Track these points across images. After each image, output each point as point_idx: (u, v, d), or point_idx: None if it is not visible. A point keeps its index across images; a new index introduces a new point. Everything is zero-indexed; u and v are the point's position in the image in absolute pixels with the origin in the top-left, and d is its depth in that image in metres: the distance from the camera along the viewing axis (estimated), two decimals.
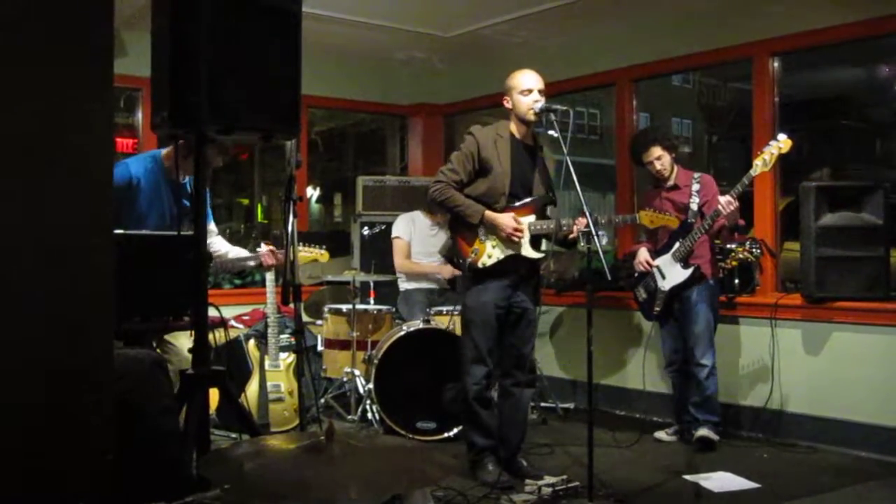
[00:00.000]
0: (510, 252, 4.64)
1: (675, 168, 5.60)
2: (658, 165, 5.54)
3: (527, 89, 4.60)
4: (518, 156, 4.68)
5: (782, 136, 5.06)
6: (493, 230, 4.61)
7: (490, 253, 4.64)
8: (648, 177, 5.83)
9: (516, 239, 4.59)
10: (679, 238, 5.40)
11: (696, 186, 5.49)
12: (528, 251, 4.66)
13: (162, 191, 4.36)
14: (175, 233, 3.72)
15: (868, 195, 5.37)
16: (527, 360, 4.77)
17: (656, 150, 5.52)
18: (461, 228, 4.71)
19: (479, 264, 4.63)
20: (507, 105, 4.70)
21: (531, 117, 4.60)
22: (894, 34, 5.52)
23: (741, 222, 5.64)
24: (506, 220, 4.58)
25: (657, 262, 5.53)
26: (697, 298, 5.41)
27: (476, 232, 4.65)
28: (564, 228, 4.58)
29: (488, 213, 4.60)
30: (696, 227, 5.34)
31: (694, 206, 5.45)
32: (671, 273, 5.46)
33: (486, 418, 4.70)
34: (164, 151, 4.47)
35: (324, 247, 5.58)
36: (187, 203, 4.36)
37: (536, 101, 4.57)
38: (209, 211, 4.17)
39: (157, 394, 3.03)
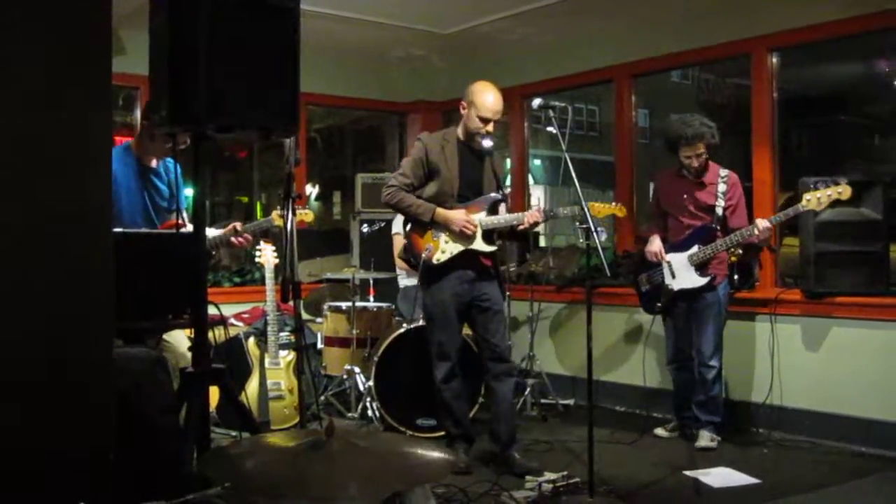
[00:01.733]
0: (463, 246, 4.78)
1: (706, 165, 5.44)
2: (695, 162, 5.34)
3: (484, 118, 4.72)
4: (465, 159, 4.85)
5: (843, 182, 4.93)
6: (446, 226, 4.76)
7: (444, 248, 4.79)
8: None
9: (468, 232, 4.73)
10: (699, 242, 5.32)
11: (722, 187, 5.34)
12: (480, 245, 4.80)
13: (138, 179, 4.34)
14: (174, 231, 3.72)
15: (867, 190, 5.37)
16: (500, 351, 4.90)
17: (701, 146, 5.31)
18: (415, 228, 4.89)
19: (434, 260, 4.77)
20: (462, 111, 4.83)
21: (476, 141, 4.78)
22: (893, 29, 5.52)
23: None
24: (457, 215, 4.75)
25: (669, 257, 5.44)
26: (713, 300, 5.37)
27: (428, 230, 4.81)
28: (514, 222, 4.75)
29: (439, 210, 4.77)
30: (720, 240, 5.24)
31: (719, 211, 5.33)
32: (684, 275, 5.37)
33: (455, 409, 4.92)
34: (133, 140, 4.46)
35: (306, 208, 5.53)
36: (164, 187, 4.37)
37: (488, 132, 4.74)
38: (182, 197, 4.17)
39: (157, 392, 3.04)
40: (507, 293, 5.66)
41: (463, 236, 4.75)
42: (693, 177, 5.43)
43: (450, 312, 4.80)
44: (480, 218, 4.79)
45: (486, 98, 4.72)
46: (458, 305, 4.81)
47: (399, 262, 6.54)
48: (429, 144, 4.85)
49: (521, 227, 4.76)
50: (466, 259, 4.80)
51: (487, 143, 4.73)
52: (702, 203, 5.40)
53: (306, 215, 5.33)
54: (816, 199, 4.97)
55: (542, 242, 4.88)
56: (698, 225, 5.39)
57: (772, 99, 5.97)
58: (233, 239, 4.52)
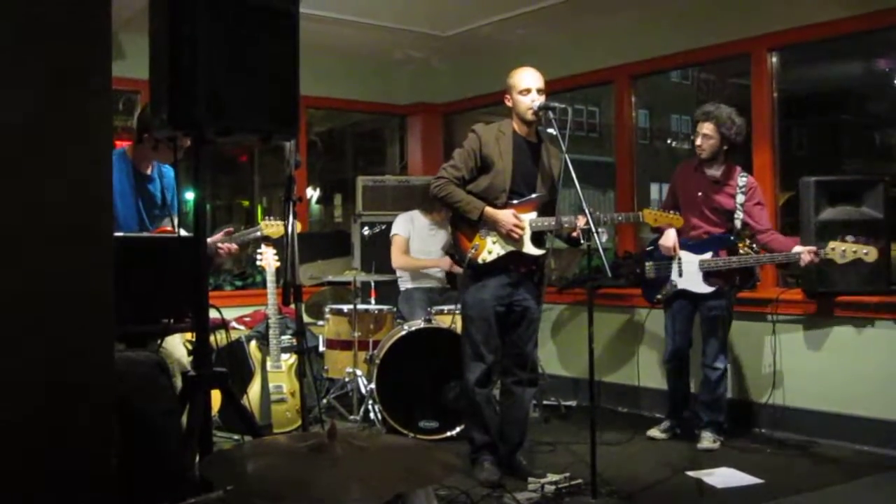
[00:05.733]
0: (511, 249, 4.63)
1: (723, 162, 5.41)
2: (699, 140, 5.38)
3: (525, 89, 4.62)
4: (520, 153, 4.68)
5: (873, 248, 4.92)
6: (494, 226, 4.61)
7: (490, 249, 4.64)
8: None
9: (516, 235, 4.59)
10: (713, 250, 5.30)
11: (740, 198, 5.31)
12: (529, 248, 4.65)
13: (133, 186, 4.33)
14: (175, 234, 3.72)
15: (868, 189, 5.37)
16: (528, 358, 4.78)
17: (708, 128, 5.34)
18: (462, 224, 4.72)
19: (479, 260, 4.63)
20: (508, 103, 4.72)
21: (530, 117, 4.63)
22: (892, 27, 5.52)
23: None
24: (506, 216, 4.58)
25: (682, 253, 5.39)
26: (718, 304, 5.36)
27: (477, 228, 4.65)
28: (566, 225, 4.58)
29: (488, 209, 4.60)
30: (738, 258, 5.24)
31: (737, 223, 5.31)
32: (691, 277, 5.34)
33: (485, 415, 4.73)
34: (128, 147, 4.44)
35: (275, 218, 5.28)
36: (157, 193, 4.35)
37: (534, 101, 4.59)
38: (178, 203, 4.14)
39: (158, 396, 3.04)
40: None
41: (510, 238, 4.62)
42: (701, 161, 5.42)
43: (489, 313, 4.64)
44: (530, 219, 4.63)
45: (520, 72, 4.66)
46: (498, 307, 4.66)
47: (395, 263, 6.54)
48: (483, 135, 4.67)
49: (575, 234, 4.57)
50: (512, 261, 4.65)
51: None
52: (716, 204, 5.37)
53: (271, 229, 4.98)
54: (841, 251, 4.94)
55: (548, 244, 4.81)
56: (708, 228, 5.37)
57: (772, 98, 5.97)
58: (220, 245, 4.45)
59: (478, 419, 4.74)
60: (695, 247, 5.38)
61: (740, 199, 5.32)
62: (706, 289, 5.31)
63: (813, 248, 5.02)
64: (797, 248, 5.07)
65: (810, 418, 5.56)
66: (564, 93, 7.40)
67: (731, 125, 5.32)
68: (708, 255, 5.31)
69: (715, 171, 5.42)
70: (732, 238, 5.32)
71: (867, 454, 5.21)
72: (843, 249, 4.95)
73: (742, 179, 5.35)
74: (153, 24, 3.11)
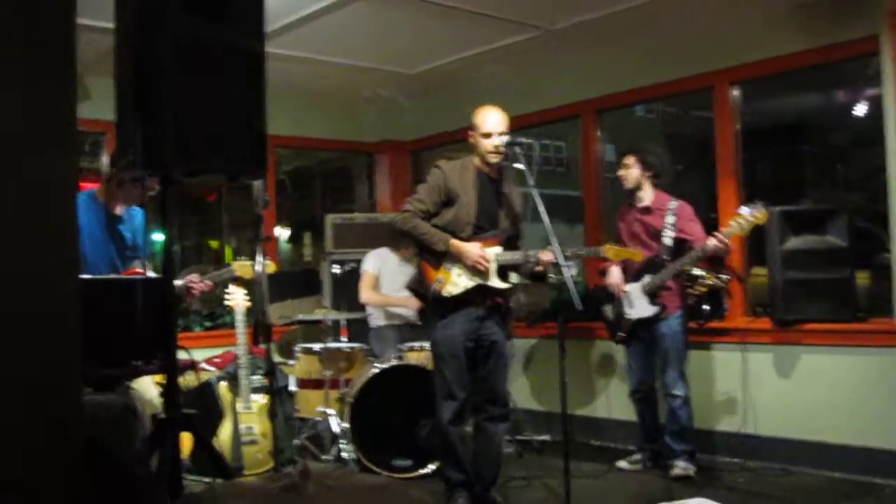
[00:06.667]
0: (477, 281, 4.63)
1: (650, 190, 5.62)
2: (621, 171, 5.67)
3: (487, 133, 4.64)
4: (483, 188, 4.70)
5: (760, 208, 5.06)
6: (459, 258, 4.61)
7: (455, 282, 4.62)
8: (623, 199, 5.85)
9: (482, 268, 4.58)
10: (649, 272, 5.42)
11: (670, 218, 5.45)
12: (494, 281, 4.65)
13: (104, 228, 4.31)
14: (143, 275, 3.69)
15: (831, 218, 5.45)
16: (499, 394, 4.76)
17: (629, 161, 5.63)
18: (427, 257, 4.70)
19: (444, 293, 4.61)
20: (471, 140, 4.74)
21: (492, 160, 4.66)
22: (850, 59, 5.64)
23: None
24: (471, 248, 4.58)
25: (627, 287, 5.53)
26: (667, 330, 5.43)
27: (442, 261, 4.65)
28: (532, 261, 4.59)
29: (454, 241, 4.59)
30: (668, 266, 5.35)
31: (667, 240, 5.43)
32: (638, 305, 5.48)
33: (460, 453, 4.69)
34: (98, 188, 4.42)
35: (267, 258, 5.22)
36: (129, 234, 4.33)
37: (497, 146, 4.61)
38: (147, 244, 4.13)
39: (128, 439, 3.00)
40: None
41: (476, 271, 4.61)
42: (631, 196, 5.66)
43: (458, 350, 4.60)
44: (496, 252, 4.63)
45: (484, 114, 4.67)
46: (467, 343, 4.63)
47: (363, 299, 6.51)
48: (447, 171, 4.68)
49: (540, 269, 4.60)
50: (478, 295, 4.63)
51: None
52: (651, 228, 5.54)
53: (244, 269, 5.03)
54: (740, 225, 5.10)
55: (513, 278, 4.82)
56: (650, 255, 5.46)
57: (735, 130, 6.06)
58: (192, 284, 4.45)
59: (452, 458, 4.70)
60: (635, 276, 5.52)
61: (670, 219, 5.48)
62: (652, 309, 5.43)
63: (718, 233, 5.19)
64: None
65: (782, 446, 5.59)
66: (531, 128, 7.46)
67: (648, 153, 5.65)
68: (646, 279, 5.44)
69: (645, 201, 5.62)
70: (662, 257, 5.42)
71: (839, 481, 5.24)
72: (739, 222, 5.09)
73: (672, 203, 5.53)
74: (118, 67, 3.11)
